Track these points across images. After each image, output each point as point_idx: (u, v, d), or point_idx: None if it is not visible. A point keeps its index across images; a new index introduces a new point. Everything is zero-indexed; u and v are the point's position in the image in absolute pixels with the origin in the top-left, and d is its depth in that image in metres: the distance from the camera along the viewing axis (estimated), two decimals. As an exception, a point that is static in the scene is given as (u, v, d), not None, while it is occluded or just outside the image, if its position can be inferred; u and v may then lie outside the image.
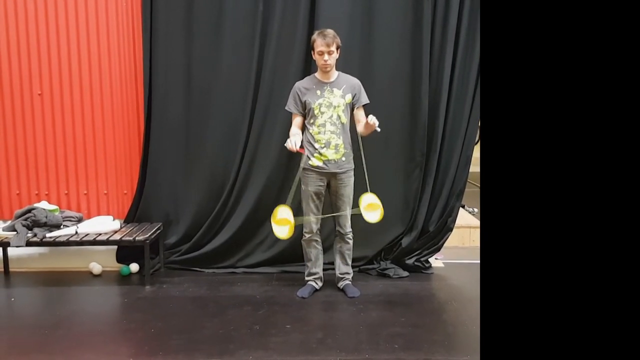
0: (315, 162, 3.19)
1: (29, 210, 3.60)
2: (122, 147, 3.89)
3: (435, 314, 3.13)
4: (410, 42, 3.67)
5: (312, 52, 3.24)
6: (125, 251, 3.88)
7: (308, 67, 3.65)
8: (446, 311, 3.19)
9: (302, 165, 3.24)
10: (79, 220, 3.79)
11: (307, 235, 3.38)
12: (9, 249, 3.68)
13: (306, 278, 3.49)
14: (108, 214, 3.94)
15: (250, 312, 3.12)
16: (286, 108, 3.33)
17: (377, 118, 3.31)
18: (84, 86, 3.82)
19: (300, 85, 3.29)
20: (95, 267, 3.83)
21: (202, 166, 3.85)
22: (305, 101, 3.22)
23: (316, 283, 3.46)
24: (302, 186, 3.32)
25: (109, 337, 2.84)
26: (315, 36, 3.18)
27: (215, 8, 3.67)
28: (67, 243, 3.52)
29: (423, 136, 3.72)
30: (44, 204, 3.72)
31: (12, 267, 3.89)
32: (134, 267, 3.86)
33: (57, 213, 3.71)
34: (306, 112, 3.26)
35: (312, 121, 3.23)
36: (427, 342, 2.73)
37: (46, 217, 3.58)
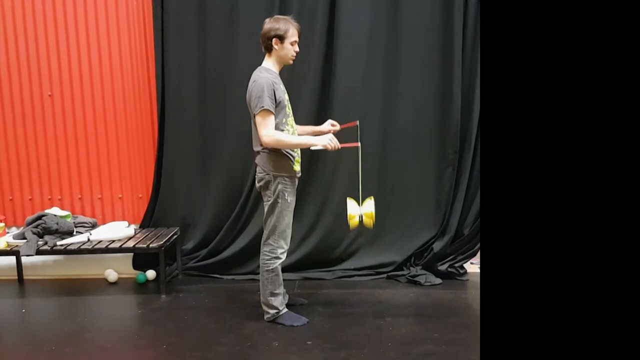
0: (297, 167, 2.84)
1: (40, 217, 3.46)
2: (137, 149, 3.73)
3: (472, 328, 2.83)
4: (441, 26, 3.41)
5: (277, 42, 2.69)
6: (142, 257, 3.72)
7: (328, 60, 3.44)
8: (484, 325, 2.89)
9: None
10: (93, 226, 3.64)
11: (284, 256, 2.89)
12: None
13: (281, 308, 2.93)
14: (123, 219, 3.79)
15: (269, 325, 2.89)
16: (264, 107, 2.62)
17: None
18: (96, 87, 3.68)
19: (272, 79, 2.70)
20: (111, 275, 3.68)
21: (219, 167, 3.67)
22: (279, 98, 2.70)
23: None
24: (282, 200, 2.77)
25: (118, 355, 2.65)
26: (284, 24, 2.68)
27: (228, 1, 3.48)
28: (79, 251, 3.36)
29: (456, 132, 3.47)
30: (55, 210, 3.57)
31: (27, 275, 3.78)
32: (151, 274, 3.70)
33: (69, 219, 3.56)
34: (277, 110, 2.71)
35: (284, 120, 2.76)
36: (463, 362, 2.46)
37: (57, 223, 3.43)
